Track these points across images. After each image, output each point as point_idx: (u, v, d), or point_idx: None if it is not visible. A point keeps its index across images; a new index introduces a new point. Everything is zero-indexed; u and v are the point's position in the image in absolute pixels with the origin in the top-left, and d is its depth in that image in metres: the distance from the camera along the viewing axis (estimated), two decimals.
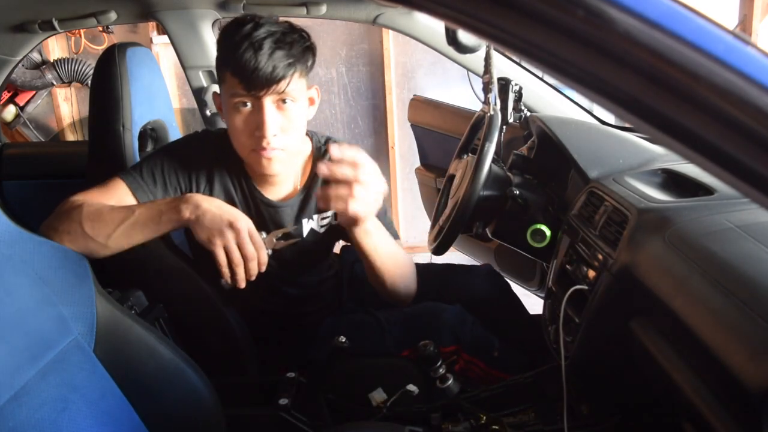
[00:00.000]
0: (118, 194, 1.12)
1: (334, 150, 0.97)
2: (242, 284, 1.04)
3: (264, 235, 1.09)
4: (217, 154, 1.20)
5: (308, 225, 1.28)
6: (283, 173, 1.21)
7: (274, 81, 1.04)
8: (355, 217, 1.02)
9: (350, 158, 0.97)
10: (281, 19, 1.14)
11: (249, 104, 1.08)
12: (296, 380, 1.20)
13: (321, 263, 1.40)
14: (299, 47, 1.08)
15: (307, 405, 1.17)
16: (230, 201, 1.20)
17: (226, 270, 1.02)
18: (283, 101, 1.08)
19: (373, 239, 1.12)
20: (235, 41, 1.04)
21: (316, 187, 1.26)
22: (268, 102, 1.07)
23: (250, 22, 1.05)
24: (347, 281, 1.53)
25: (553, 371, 1.16)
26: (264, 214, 1.23)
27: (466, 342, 1.33)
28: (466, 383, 1.26)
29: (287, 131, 1.11)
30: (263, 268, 1.05)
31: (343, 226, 1.08)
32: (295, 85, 1.08)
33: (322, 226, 1.30)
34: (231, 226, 1.01)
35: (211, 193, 1.20)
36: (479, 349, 1.34)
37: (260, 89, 1.05)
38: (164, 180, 1.17)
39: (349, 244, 1.33)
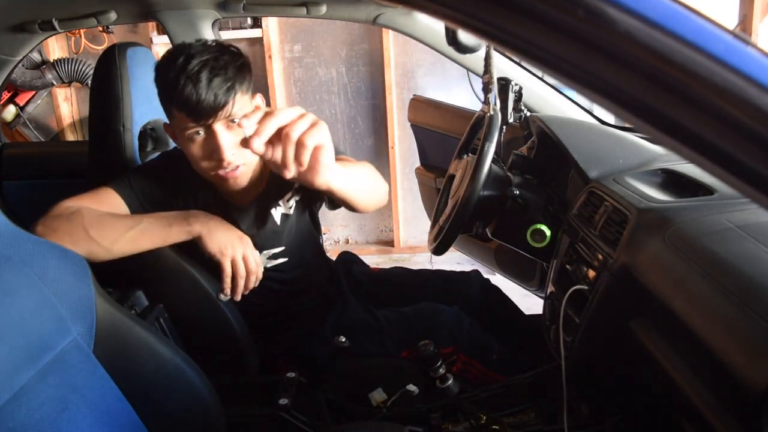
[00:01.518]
0: (110, 203, 1.15)
1: (244, 122, 0.80)
2: (239, 297, 1.13)
3: (258, 253, 1.16)
4: (198, 174, 1.21)
5: (278, 212, 1.30)
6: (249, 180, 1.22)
7: (218, 108, 1.06)
8: (315, 169, 0.85)
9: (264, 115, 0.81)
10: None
11: (201, 132, 1.09)
12: (296, 380, 1.20)
13: (308, 245, 1.41)
14: (233, 68, 1.09)
15: (307, 405, 1.17)
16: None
17: (229, 281, 1.11)
18: (232, 121, 1.10)
19: (342, 181, 0.97)
20: (171, 78, 1.05)
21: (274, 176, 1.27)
22: (219, 126, 1.08)
23: (182, 55, 1.06)
24: (345, 281, 1.53)
25: (553, 371, 1.16)
26: (236, 219, 1.24)
27: (463, 343, 1.33)
28: (465, 385, 1.26)
29: (235, 142, 1.11)
30: (257, 283, 1.15)
31: (312, 186, 0.90)
32: (240, 104, 1.10)
33: (289, 207, 1.32)
34: (240, 240, 1.10)
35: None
36: (476, 350, 1.34)
37: (208, 118, 1.07)
38: (152, 194, 1.20)
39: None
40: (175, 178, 1.23)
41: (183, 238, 1.10)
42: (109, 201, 1.15)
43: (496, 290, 1.57)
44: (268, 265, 1.30)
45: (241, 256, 1.10)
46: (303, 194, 1.33)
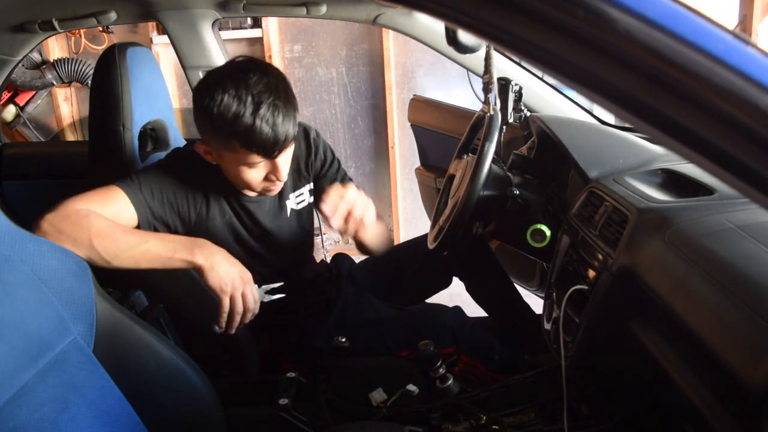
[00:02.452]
0: (117, 204, 1.14)
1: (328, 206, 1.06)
2: (233, 331, 1.13)
3: (257, 287, 1.16)
4: (208, 171, 1.22)
5: (289, 205, 1.35)
6: None
7: (288, 144, 1.14)
8: (360, 230, 1.11)
9: (339, 199, 1.07)
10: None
11: (263, 162, 1.16)
12: (296, 380, 1.20)
13: (304, 240, 1.44)
14: (291, 96, 1.13)
15: (307, 405, 1.17)
16: (225, 217, 1.28)
17: (226, 316, 1.10)
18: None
19: (369, 235, 1.20)
20: (247, 122, 1.08)
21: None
22: (281, 158, 1.16)
23: (245, 93, 1.08)
24: (345, 280, 1.53)
25: (553, 371, 1.16)
26: (253, 211, 1.29)
27: (464, 344, 1.33)
28: (465, 385, 1.26)
29: (288, 161, 1.22)
30: (253, 317, 1.15)
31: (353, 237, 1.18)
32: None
33: (299, 203, 1.37)
34: (241, 278, 1.10)
35: (207, 211, 1.25)
36: (478, 350, 1.34)
37: (279, 153, 1.14)
38: (162, 195, 1.20)
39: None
40: (186, 177, 1.23)
41: (184, 266, 1.09)
42: (117, 202, 1.14)
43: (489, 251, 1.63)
44: (265, 300, 1.31)
45: (240, 294, 1.09)
46: (314, 192, 1.39)
